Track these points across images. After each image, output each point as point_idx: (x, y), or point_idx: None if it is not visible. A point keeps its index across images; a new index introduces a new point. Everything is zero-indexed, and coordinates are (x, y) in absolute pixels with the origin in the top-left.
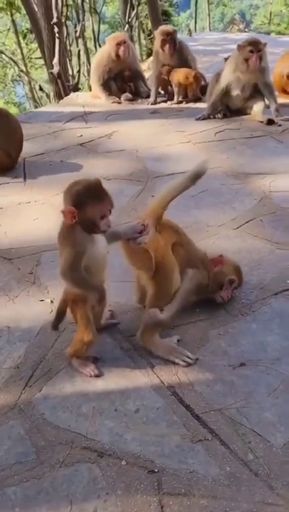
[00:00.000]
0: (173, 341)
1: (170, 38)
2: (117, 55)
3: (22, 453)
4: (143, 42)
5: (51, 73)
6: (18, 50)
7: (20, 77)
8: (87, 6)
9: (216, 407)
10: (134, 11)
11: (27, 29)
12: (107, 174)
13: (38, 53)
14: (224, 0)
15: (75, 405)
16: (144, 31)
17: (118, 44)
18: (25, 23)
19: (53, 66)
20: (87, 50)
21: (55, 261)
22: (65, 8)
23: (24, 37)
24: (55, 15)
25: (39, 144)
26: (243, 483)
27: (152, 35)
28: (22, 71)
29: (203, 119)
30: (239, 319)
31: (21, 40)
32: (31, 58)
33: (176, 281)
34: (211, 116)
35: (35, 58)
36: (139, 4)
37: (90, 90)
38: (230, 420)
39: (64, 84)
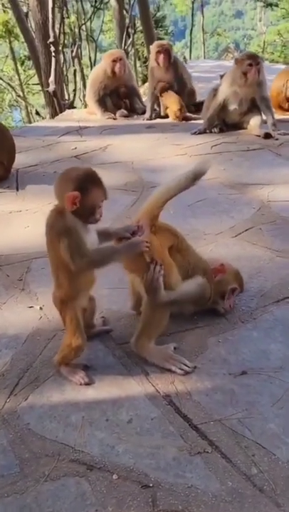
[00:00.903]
0: (169, 348)
1: (164, 49)
2: (113, 72)
3: (4, 466)
4: (139, 69)
5: (47, 91)
6: (16, 76)
7: (17, 102)
8: (84, 34)
9: (216, 418)
10: (130, 39)
11: (25, 56)
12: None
13: (35, 79)
14: (218, 30)
15: (63, 415)
16: (139, 58)
17: (114, 61)
18: (23, 51)
19: (48, 85)
20: (83, 77)
21: (45, 268)
22: (62, 36)
23: (22, 63)
24: (51, 34)
25: (33, 156)
26: (246, 500)
27: (147, 63)
28: (19, 96)
29: (200, 133)
30: (239, 327)
31: (19, 67)
32: (28, 84)
33: (173, 286)
34: (208, 131)
35: (33, 84)
36: (134, 32)
37: (86, 107)
38: (232, 432)
39: (60, 103)
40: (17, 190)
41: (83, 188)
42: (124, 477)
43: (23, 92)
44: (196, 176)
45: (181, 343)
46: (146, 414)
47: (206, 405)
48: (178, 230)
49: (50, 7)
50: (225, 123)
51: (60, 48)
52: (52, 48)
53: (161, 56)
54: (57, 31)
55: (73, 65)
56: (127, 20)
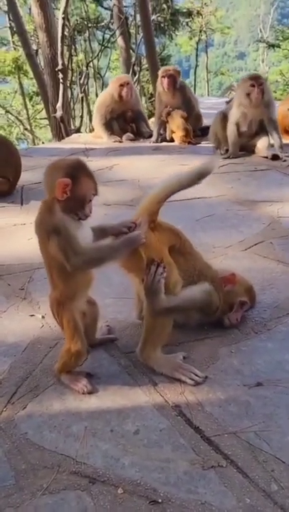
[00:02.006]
0: (178, 358)
1: (169, 75)
2: (120, 96)
3: None
4: (144, 105)
5: (54, 117)
6: (24, 111)
7: (24, 135)
8: (91, 72)
9: (231, 430)
10: (136, 76)
11: (33, 91)
12: (107, 200)
13: (43, 114)
14: (222, 69)
15: (63, 424)
16: (145, 95)
17: (121, 85)
18: (31, 87)
19: (56, 111)
20: (89, 111)
21: (47, 278)
22: (70, 72)
23: (30, 99)
24: (60, 62)
25: (38, 174)
26: None
27: (153, 99)
28: (26, 129)
29: (228, 157)
30: (252, 337)
31: (27, 102)
32: (36, 118)
33: (172, 287)
34: (231, 156)
35: (40, 118)
36: (140, 70)
37: (91, 132)
38: (248, 445)
39: (66, 129)
40: (21, 204)
41: (74, 177)
42: (131, 492)
43: (31, 126)
44: (200, 175)
45: (190, 353)
46: (154, 425)
47: (219, 417)
48: (181, 232)
49: (60, 36)
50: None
51: (68, 84)
52: (60, 75)
53: (166, 81)
54: (66, 59)
55: (81, 92)
56: (134, 59)
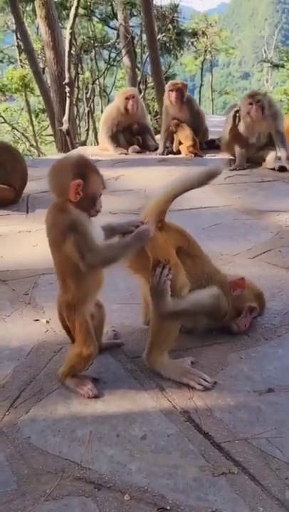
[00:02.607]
0: (186, 362)
1: (177, 88)
2: (126, 109)
3: (0, 482)
4: (150, 122)
5: (60, 130)
6: (30, 128)
7: (30, 151)
8: (97, 91)
9: (242, 436)
10: (142, 94)
11: (39, 109)
12: (113, 209)
13: (49, 131)
14: (227, 89)
15: (68, 429)
16: (150, 112)
17: (127, 98)
18: (37, 104)
19: (62, 124)
20: (95, 128)
21: (53, 283)
22: (76, 90)
23: (36, 116)
24: (66, 75)
25: (44, 184)
26: None
27: (158, 116)
28: (32, 145)
29: (235, 169)
30: (262, 343)
31: (34, 119)
32: (42, 135)
33: (179, 288)
34: (238, 168)
35: (46, 135)
36: (146, 88)
37: (97, 145)
38: (260, 452)
39: (72, 142)
40: (27, 212)
41: (84, 175)
42: (138, 498)
43: (36, 143)
44: (210, 175)
45: (199, 358)
46: (162, 430)
47: (229, 423)
48: (190, 234)
49: (67, 50)
50: None
51: (74, 102)
52: (67, 89)
53: (174, 94)
54: (72, 75)
55: (87, 106)
56: (139, 77)
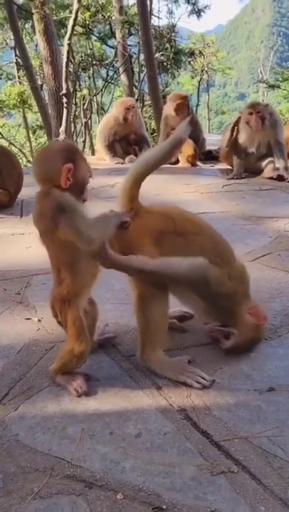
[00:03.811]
0: (183, 361)
1: (186, 101)
2: (125, 119)
3: None
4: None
5: (57, 140)
6: (28, 144)
7: (27, 167)
8: (94, 109)
9: (242, 435)
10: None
11: (37, 125)
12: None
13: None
14: (223, 108)
15: (58, 426)
16: (147, 130)
17: (127, 108)
18: (35, 121)
19: (59, 134)
20: (92, 145)
21: (46, 283)
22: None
23: (34, 132)
24: (64, 86)
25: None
26: None
27: (155, 134)
28: (29, 161)
29: (232, 178)
30: (262, 344)
31: (31, 135)
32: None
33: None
34: (235, 177)
35: None
36: (143, 106)
37: (93, 154)
38: (261, 450)
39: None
40: (21, 216)
41: (73, 160)
42: (132, 497)
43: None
44: (174, 143)
45: (196, 357)
46: (157, 428)
47: (228, 421)
48: (179, 213)
49: (65, 62)
50: None
51: (72, 118)
52: (64, 100)
53: (182, 105)
54: (70, 86)
55: (84, 117)
56: (136, 96)
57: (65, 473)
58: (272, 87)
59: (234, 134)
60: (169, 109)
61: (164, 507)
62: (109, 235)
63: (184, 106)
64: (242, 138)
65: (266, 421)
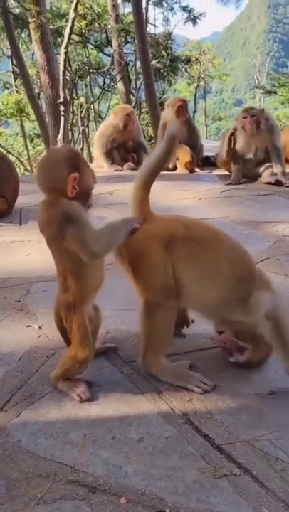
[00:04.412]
0: (184, 365)
1: (185, 103)
2: (125, 126)
3: None
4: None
5: (57, 146)
6: (25, 152)
7: (24, 175)
8: (92, 117)
9: (243, 438)
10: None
11: (34, 134)
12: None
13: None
14: (220, 114)
15: (61, 432)
16: (145, 137)
17: (127, 115)
18: (32, 129)
19: (57, 143)
20: (90, 153)
21: (47, 290)
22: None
23: (31, 141)
24: (61, 95)
25: (37, 198)
26: None
27: (153, 141)
28: (27, 169)
29: (230, 184)
30: None
31: (28, 143)
32: (37, 160)
33: (159, 291)
34: (234, 182)
35: None
36: (140, 114)
37: (91, 162)
38: (263, 453)
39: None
40: (20, 224)
41: (78, 168)
42: (135, 501)
43: (31, 167)
44: (170, 140)
45: (197, 362)
46: (159, 432)
47: (230, 425)
48: (190, 219)
49: (61, 70)
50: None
51: (69, 127)
52: (61, 108)
53: (182, 109)
54: (67, 94)
55: (82, 125)
56: (133, 103)
57: (68, 479)
58: (268, 92)
59: (232, 143)
60: (167, 114)
61: (167, 510)
62: (118, 245)
63: (183, 108)
64: (239, 144)
65: (268, 424)
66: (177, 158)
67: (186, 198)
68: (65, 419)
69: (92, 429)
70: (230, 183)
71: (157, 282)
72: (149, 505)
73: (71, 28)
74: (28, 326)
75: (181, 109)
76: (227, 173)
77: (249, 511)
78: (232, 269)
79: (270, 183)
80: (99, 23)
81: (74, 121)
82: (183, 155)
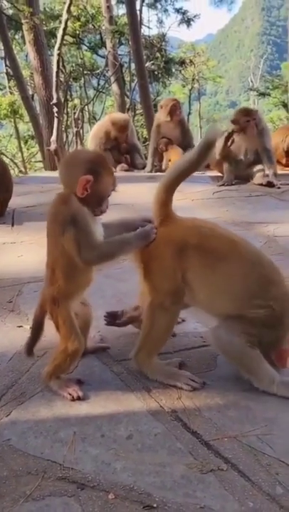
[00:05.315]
0: (174, 364)
1: (178, 103)
2: (117, 138)
3: None
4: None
5: (48, 150)
6: (19, 154)
7: (19, 177)
8: (86, 118)
9: (231, 434)
10: (130, 119)
11: (28, 135)
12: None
13: (38, 157)
14: (214, 116)
15: (51, 430)
16: (139, 139)
17: (121, 132)
18: (26, 131)
19: (50, 143)
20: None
21: (38, 291)
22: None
23: (26, 142)
24: (54, 96)
25: (31, 199)
26: None
27: (147, 143)
28: (21, 171)
29: (222, 185)
30: None
31: (23, 145)
32: (31, 161)
33: (163, 294)
34: (226, 184)
35: (35, 162)
36: (135, 115)
37: None
38: (250, 448)
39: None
40: (12, 225)
41: (96, 172)
42: (123, 497)
43: (25, 169)
44: (208, 144)
45: (187, 360)
46: (148, 429)
47: (218, 421)
48: (208, 227)
49: (55, 71)
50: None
51: (63, 128)
52: (55, 109)
53: (178, 111)
54: (61, 95)
55: (76, 127)
56: (128, 105)
57: (58, 476)
58: (262, 94)
59: (229, 143)
60: (161, 115)
61: (155, 505)
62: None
63: (177, 108)
64: (233, 146)
65: (255, 420)
66: (170, 160)
67: (179, 199)
68: (55, 418)
69: (82, 427)
70: (222, 184)
71: (165, 286)
72: (137, 500)
73: (64, 29)
74: (19, 327)
75: (174, 108)
76: (220, 174)
77: (235, 505)
78: (244, 284)
79: (261, 185)
80: (93, 25)
81: (68, 122)
82: (175, 156)
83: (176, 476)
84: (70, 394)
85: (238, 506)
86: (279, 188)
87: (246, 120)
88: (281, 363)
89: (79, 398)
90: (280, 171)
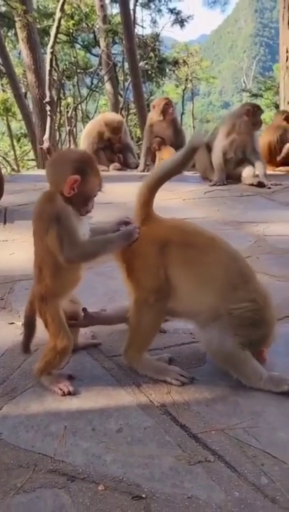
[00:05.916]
0: (163, 359)
1: (170, 102)
2: (109, 139)
3: None
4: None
5: (41, 148)
6: (12, 152)
7: (11, 175)
8: (79, 117)
9: (218, 427)
10: (124, 120)
11: (21, 133)
12: (92, 221)
13: (30, 155)
14: (208, 116)
15: (42, 425)
16: (132, 138)
17: (115, 133)
18: (19, 129)
19: (43, 142)
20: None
21: (30, 288)
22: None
23: (18, 140)
24: (47, 94)
25: (23, 197)
26: (257, 511)
27: (140, 142)
28: (14, 169)
29: (214, 185)
30: None
31: (15, 143)
32: (23, 159)
33: (141, 291)
34: (218, 184)
35: (28, 160)
36: (128, 114)
37: None
38: (237, 441)
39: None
40: (4, 223)
41: (84, 172)
42: (112, 488)
43: (18, 167)
44: (193, 149)
45: (176, 356)
46: (138, 423)
47: (206, 415)
48: (189, 225)
49: (48, 69)
50: None
51: (56, 127)
52: (48, 108)
53: (171, 109)
54: (53, 93)
55: (69, 126)
56: (121, 104)
57: (48, 468)
58: (255, 96)
59: (229, 143)
60: (154, 115)
61: (144, 496)
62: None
63: (169, 107)
64: (222, 143)
65: (242, 414)
66: (162, 159)
67: (170, 198)
68: (46, 412)
69: (73, 421)
70: (214, 184)
71: (149, 283)
72: (126, 491)
73: (57, 27)
74: (11, 324)
75: (167, 107)
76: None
77: (221, 494)
78: (226, 274)
79: (252, 185)
80: (86, 23)
81: (61, 121)
82: (168, 155)
83: (164, 468)
84: (60, 389)
85: (224, 496)
86: (269, 188)
87: (259, 114)
88: (260, 360)
89: (70, 393)
90: (271, 171)
